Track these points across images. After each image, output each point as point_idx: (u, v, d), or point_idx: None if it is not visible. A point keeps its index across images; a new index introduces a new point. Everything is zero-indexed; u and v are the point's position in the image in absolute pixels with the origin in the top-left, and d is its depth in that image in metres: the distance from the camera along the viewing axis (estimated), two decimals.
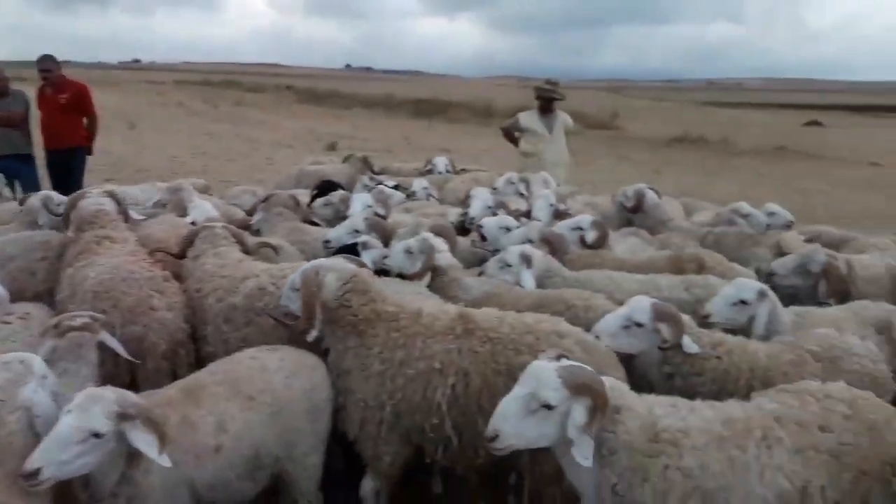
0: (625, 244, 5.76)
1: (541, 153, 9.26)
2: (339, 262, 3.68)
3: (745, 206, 6.59)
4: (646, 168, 20.35)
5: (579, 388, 2.50)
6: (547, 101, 9.27)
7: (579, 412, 2.48)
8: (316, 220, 6.23)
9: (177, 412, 2.87)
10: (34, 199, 5.40)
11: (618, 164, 21.09)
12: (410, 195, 7.46)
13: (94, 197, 4.87)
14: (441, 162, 9.54)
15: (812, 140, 29.98)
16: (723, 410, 2.74)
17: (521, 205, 6.78)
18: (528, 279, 4.47)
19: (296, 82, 61.17)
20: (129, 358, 3.44)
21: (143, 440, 2.49)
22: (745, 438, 2.60)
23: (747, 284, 3.98)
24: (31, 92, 9.29)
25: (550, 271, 4.61)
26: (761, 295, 3.90)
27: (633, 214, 6.69)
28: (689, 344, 3.41)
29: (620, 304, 4.27)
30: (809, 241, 6.26)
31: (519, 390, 2.57)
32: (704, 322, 3.96)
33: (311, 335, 3.45)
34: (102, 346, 3.30)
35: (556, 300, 4.08)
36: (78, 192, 5.00)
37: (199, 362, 3.94)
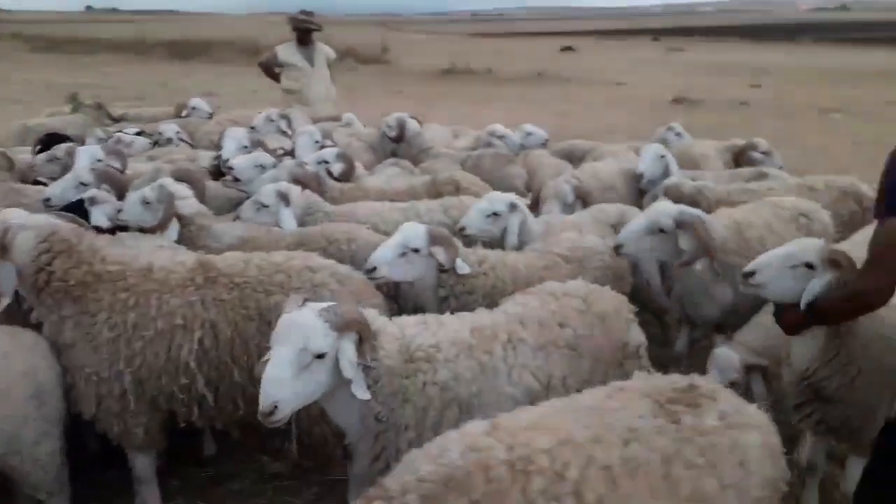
0: (384, 174, 5.76)
1: (304, 88, 8.89)
2: (36, 218, 3.19)
3: (499, 128, 6.90)
4: (418, 100, 20.64)
5: (346, 325, 2.35)
6: (304, 31, 8.86)
7: (349, 349, 2.34)
8: (41, 178, 5.40)
9: None
10: None
11: (390, 98, 21.15)
12: (160, 142, 6.78)
13: None
14: (201, 103, 8.76)
15: (566, 64, 32.38)
16: (470, 320, 2.82)
17: (285, 143, 6.48)
18: (288, 218, 4.27)
19: (25, 29, 52.88)
20: None
21: None
22: (491, 343, 2.70)
23: (498, 197, 4.15)
24: None
25: (311, 207, 4.46)
26: (512, 207, 4.10)
27: (397, 144, 6.71)
28: (461, 265, 3.47)
29: (386, 234, 4.28)
30: (564, 156, 6.76)
31: (286, 350, 2.25)
32: (461, 235, 4.11)
33: (3, 303, 2.97)
34: None
35: (318, 237, 3.97)
36: None
37: None
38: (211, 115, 8.50)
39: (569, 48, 43.47)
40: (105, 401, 3.00)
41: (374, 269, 3.32)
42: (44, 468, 2.85)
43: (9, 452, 2.72)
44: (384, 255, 3.37)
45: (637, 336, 3.09)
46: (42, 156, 5.59)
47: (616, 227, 4.55)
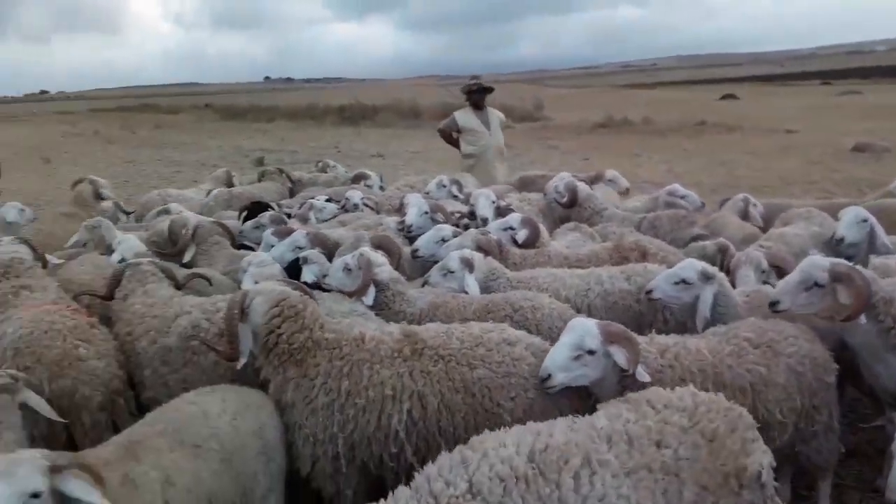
0: (565, 239, 5.77)
1: (483, 151, 9.26)
2: (270, 285, 3.53)
3: (679, 189, 6.73)
4: (575, 155, 20.67)
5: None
6: (480, 94, 9.23)
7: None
8: (247, 243, 6.02)
9: (116, 471, 2.67)
10: None
11: (548, 154, 21.34)
12: (347, 207, 7.29)
13: (5, 245, 4.58)
14: (375, 178, 9.37)
15: (729, 112, 31.03)
16: (541, 433, 2.50)
17: (460, 207, 6.73)
18: (472, 284, 4.41)
19: (214, 100, 59.70)
20: (56, 418, 3.20)
21: (81, 488, 2.34)
22: (557, 472, 2.34)
23: (690, 265, 4.01)
24: None
25: (494, 273, 4.56)
26: (705, 276, 3.93)
27: (570, 209, 6.73)
28: (641, 373, 3.09)
29: (566, 300, 4.30)
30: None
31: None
32: (649, 298, 4.06)
33: (240, 363, 3.31)
34: (26, 407, 3.07)
35: (503, 304, 4.04)
36: None
37: (141, 410, 3.74)
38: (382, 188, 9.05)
39: (730, 96, 41.79)
40: (320, 462, 3.20)
41: (549, 376, 3.07)
42: None
43: None
44: (557, 360, 3.07)
45: (759, 458, 2.59)
46: (249, 223, 6.24)
47: None
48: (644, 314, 4.37)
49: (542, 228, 5.60)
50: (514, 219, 5.55)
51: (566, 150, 22.48)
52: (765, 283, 4.49)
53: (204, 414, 3.02)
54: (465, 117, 9.30)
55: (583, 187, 6.84)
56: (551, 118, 34.16)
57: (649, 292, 4.07)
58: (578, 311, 4.24)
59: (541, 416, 2.90)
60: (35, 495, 2.26)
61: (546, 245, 5.43)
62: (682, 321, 4.16)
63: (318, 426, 3.18)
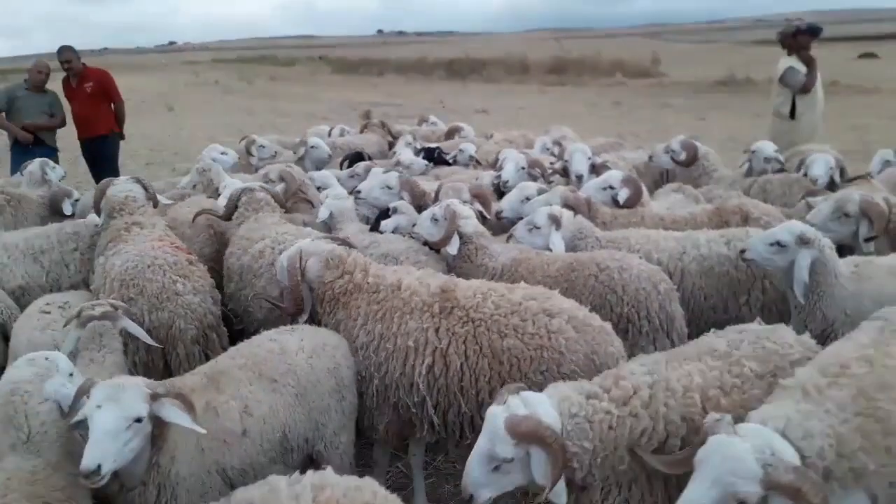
0: (667, 201, 5.51)
1: (812, 107, 7.71)
2: (318, 244, 3.70)
3: (766, 148, 6.26)
4: (690, 115, 19.65)
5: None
6: (809, 35, 7.65)
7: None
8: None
9: (200, 398, 2.84)
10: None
11: (660, 112, 20.39)
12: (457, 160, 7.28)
13: (122, 184, 4.88)
14: (469, 130, 9.27)
15: (867, 73, 28.34)
16: None
17: (556, 163, 6.57)
18: (558, 241, 4.31)
19: (329, 52, 60.99)
20: (153, 343, 3.48)
21: (177, 415, 2.53)
22: None
23: (788, 226, 3.72)
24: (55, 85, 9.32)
25: (582, 232, 4.43)
26: (802, 240, 3.62)
27: (686, 168, 6.41)
28: (558, 494, 2.38)
29: (658, 263, 4.11)
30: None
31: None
32: (743, 259, 3.88)
33: (303, 318, 3.50)
34: (127, 334, 3.31)
35: (589, 263, 3.90)
36: (105, 180, 5.01)
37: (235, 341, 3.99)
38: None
39: (869, 54, 38.10)
40: (362, 396, 3.36)
41: (471, 497, 2.47)
42: (343, 455, 3.21)
43: (316, 439, 3.10)
44: (474, 476, 2.46)
45: None
46: (345, 172, 6.37)
47: None
48: (741, 281, 4.14)
49: (644, 188, 5.36)
50: (614, 177, 5.32)
51: (681, 108, 21.41)
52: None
53: (282, 350, 3.14)
54: (797, 65, 7.63)
55: (702, 147, 6.52)
56: (667, 74, 32.51)
57: (743, 252, 3.84)
58: (671, 275, 4.06)
59: None
60: (138, 420, 2.45)
61: (645, 206, 5.19)
62: (782, 291, 3.89)
63: (360, 364, 3.33)
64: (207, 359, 3.82)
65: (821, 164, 5.55)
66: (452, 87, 32.13)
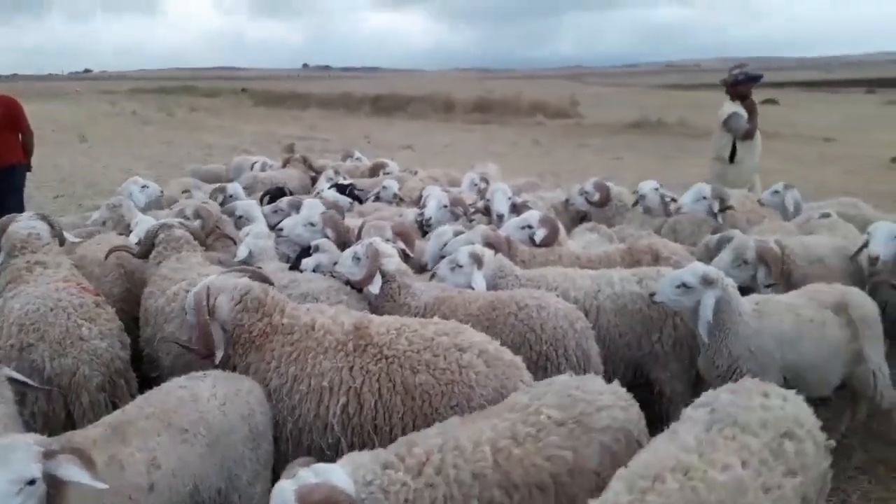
0: (582, 240, 5.68)
1: (751, 154, 8.04)
2: (230, 280, 3.57)
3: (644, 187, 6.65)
4: (606, 155, 20.42)
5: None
6: (746, 84, 8.06)
7: None
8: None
9: (103, 452, 2.68)
10: None
11: (578, 152, 21.12)
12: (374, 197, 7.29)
13: (24, 220, 4.64)
14: (394, 166, 9.36)
15: (768, 118, 30.32)
16: None
17: (478, 202, 6.68)
18: (479, 280, 4.36)
19: (252, 85, 60.34)
20: (39, 387, 3.29)
21: (75, 472, 2.36)
22: None
23: (693, 269, 3.90)
24: None
25: (503, 270, 4.50)
26: (706, 280, 3.80)
27: (600, 208, 6.64)
28: None
29: (575, 301, 4.22)
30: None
31: None
32: (653, 301, 4.02)
33: (217, 357, 3.36)
34: (19, 382, 3.10)
35: (508, 301, 3.96)
36: (7, 216, 4.74)
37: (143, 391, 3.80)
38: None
39: (771, 101, 40.75)
40: (277, 442, 3.26)
41: None
42: None
43: (229, 489, 2.97)
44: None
45: None
46: (268, 207, 6.27)
47: (835, 309, 4.10)
48: (654, 319, 4.28)
49: (561, 228, 5.51)
50: (532, 216, 5.44)
51: (598, 148, 22.23)
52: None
53: (193, 398, 3.01)
54: (740, 111, 7.92)
55: (615, 188, 6.77)
56: (585, 116, 33.79)
57: (652, 295, 3.99)
58: (587, 313, 4.17)
59: None
60: (31, 482, 2.27)
61: (562, 245, 5.33)
62: (691, 328, 4.06)
63: (273, 409, 3.25)
64: (115, 407, 3.61)
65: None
66: (378, 122, 32.32)
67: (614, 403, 2.82)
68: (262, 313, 3.40)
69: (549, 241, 5.21)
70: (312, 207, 5.63)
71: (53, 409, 3.52)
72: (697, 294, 3.80)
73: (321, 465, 2.39)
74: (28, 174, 8.98)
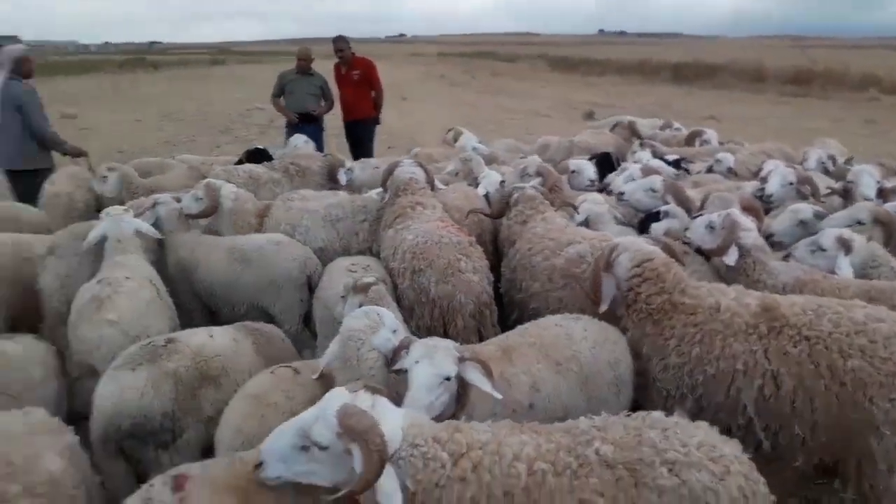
0: None
1: None
2: (639, 243, 3.65)
3: None
4: None
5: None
6: None
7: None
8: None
9: (496, 368, 3.08)
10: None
11: None
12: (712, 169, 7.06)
13: (406, 166, 5.34)
14: (712, 135, 8.88)
15: None
16: None
17: (831, 183, 6.08)
18: (846, 267, 4.05)
19: (549, 51, 61.22)
20: None
21: (479, 379, 2.80)
22: None
23: None
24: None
25: (876, 260, 4.12)
26: None
27: None
28: None
29: None
30: None
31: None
32: None
33: (601, 308, 3.52)
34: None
35: (890, 292, 3.61)
36: (393, 161, 5.54)
37: (502, 323, 4.30)
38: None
39: None
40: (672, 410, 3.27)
41: (262, 463, 2.30)
42: None
43: None
44: (275, 447, 2.26)
45: None
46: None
47: None
48: None
49: None
50: None
51: None
52: None
53: (568, 336, 3.31)
54: None
55: None
56: None
57: None
58: None
59: None
60: (448, 378, 2.75)
61: None
62: None
63: (670, 382, 3.31)
64: (480, 333, 4.14)
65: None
66: (676, 91, 30.79)
67: (700, 462, 2.25)
68: (661, 288, 3.41)
69: None
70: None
71: (434, 326, 4.11)
72: None
73: (385, 402, 2.35)
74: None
